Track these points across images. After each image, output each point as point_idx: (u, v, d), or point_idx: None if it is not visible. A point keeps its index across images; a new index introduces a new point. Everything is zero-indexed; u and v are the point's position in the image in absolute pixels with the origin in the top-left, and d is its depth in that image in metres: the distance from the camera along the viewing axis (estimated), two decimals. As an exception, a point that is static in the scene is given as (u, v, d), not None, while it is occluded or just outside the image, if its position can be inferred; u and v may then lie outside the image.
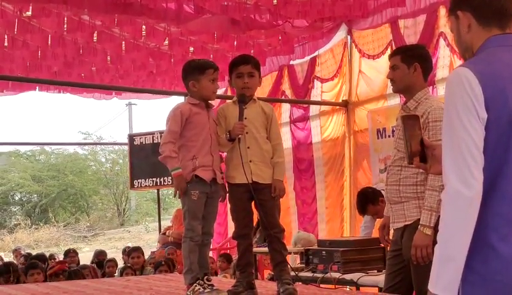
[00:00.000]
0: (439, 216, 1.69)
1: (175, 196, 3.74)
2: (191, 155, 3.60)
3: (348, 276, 4.51)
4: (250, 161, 3.60)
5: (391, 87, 3.57)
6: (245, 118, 3.62)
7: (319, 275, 4.64)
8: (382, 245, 4.40)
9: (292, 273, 3.97)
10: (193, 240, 3.59)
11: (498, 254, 1.63)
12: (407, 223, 3.31)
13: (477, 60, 1.75)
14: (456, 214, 1.62)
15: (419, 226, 3.16)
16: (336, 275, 4.53)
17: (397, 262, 3.41)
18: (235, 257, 5.82)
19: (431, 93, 6.13)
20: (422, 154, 1.88)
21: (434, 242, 3.12)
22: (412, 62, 3.32)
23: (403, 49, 3.64)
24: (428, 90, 3.41)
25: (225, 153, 3.82)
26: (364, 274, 4.46)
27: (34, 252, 9.95)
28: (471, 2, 1.80)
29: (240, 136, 3.58)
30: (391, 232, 3.57)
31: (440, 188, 3.13)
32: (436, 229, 3.11)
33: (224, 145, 3.68)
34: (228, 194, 3.77)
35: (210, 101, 3.77)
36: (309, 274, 4.76)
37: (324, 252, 4.78)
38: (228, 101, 4.19)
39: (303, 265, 5.02)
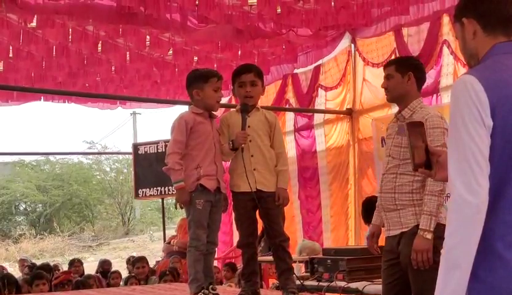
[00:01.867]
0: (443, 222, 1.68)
1: (176, 208, 3.75)
2: (195, 165, 3.61)
3: (353, 285, 4.49)
4: (254, 169, 3.61)
5: (386, 96, 3.60)
6: (249, 126, 3.63)
7: (324, 284, 4.63)
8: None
9: (297, 282, 3.96)
10: (198, 249, 3.59)
11: (505, 262, 1.62)
12: (403, 230, 3.31)
13: (482, 67, 1.75)
14: (462, 221, 1.61)
15: (419, 231, 3.19)
16: (342, 283, 4.52)
17: (395, 271, 3.38)
18: (240, 266, 5.81)
19: (424, 102, 6.18)
20: (427, 161, 1.88)
21: (434, 247, 3.18)
22: (406, 72, 3.37)
23: (397, 59, 3.75)
24: (422, 100, 3.48)
25: (228, 163, 3.83)
26: (369, 283, 4.45)
27: (38, 262, 9.96)
28: (476, 9, 1.80)
29: (243, 145, 3.59)
30: (380, 240, 3.59)
31: (440, 193, 3.21)
32: (435, 234, 3.17)
33: (227, 154, 3.69)
34: (232, 203, 3.77)
35: (213, 112, 3.78)
36: (315, 283, 4.75)
37: (329, 260, 4.77)
38: (231, 109, 4.19)
39: (308, 274, 5.01)
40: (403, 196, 3.32)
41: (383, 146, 6.99)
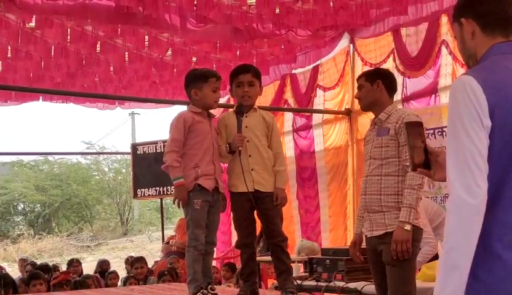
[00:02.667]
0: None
1: (174, 203, 3.75)
2: (193, 164, 3.61)
3: (351, 285, 4.50)
4: (252, 169, 3.61)
5: (359, 106, 3.83)
6: (246, 126, 3.64)
7: (323, 284, 4.64)
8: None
9: (296, 282, 3.97)
10: (197, 249, 3.59)
11: (503, 262, 1.62)
12: (388, 230, 3.43)
13: (481, 68, 1.75)
14: (461, 222, 1.61)
15: (398, 222, 3.37)
16: (340, 283, 4.53)
17: (379, 268, 3.52)
18: (239, 266, 5.81)
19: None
20: (426, 161, 1.87)
21: (413, 238, 3.29)
22: (375, 80, 3.60)
23: (366, 71, 4.02)
24: (396, 105, 3.68)
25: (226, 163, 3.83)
26: (367, 283, 4.45)
27: (37, 262, 9.93)
28: (474, 9, 1.80)
29: (240, 148, 3.59)
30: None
31: (419, 186, 3.39)
32: (412, 236, 3.36)
33: (224, 156, 3.69)
34: (230, 203, 3.77)
35: (211, 111, 3.78)
36: (313, 283, 4.75)
37: (327, 261, 4.77)
38: (230, 110, 4.19)
39: (307, 274, 5.02)
40: (389, 198, 3.44)
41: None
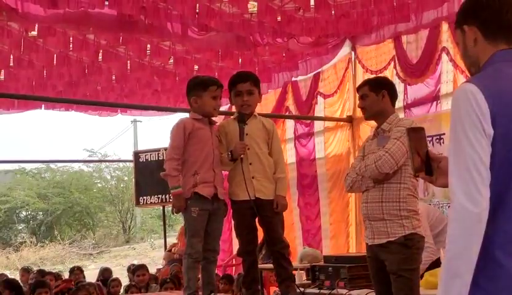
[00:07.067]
0: None
1: (173, 213, 3.77)
2: (192, 171, 3.62)
3: (354, 293, 4.48)
4: (253, 177, 3.61)
5: (363, 115, 3.82)
6: (247, 134, 3.64)
7: (326, 292, 4.62)
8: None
9: (298, 290, 3.96)
10: (192, 257, 3.60)
11: (505, 270, 1.62)
12: (390, 239, 3.45)
13: (483, 75, 1.74)
14: (463, 230, 1.61)
15: None
16: (343, 291, 4.51)
17: (383, 276, 3.53)
18: (240, 273, 5.80)
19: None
20: (428, 166, 1.87)
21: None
22: (380, 90, 3.60)
23: (369, 80, 3.97)
24: (398, 114, 3.71)
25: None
26: (370, 290, 4.43)
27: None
28: (477, 16, 1.79)
29: (242, 156, 3.59)
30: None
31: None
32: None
33: (226, 164, 3.69)
34: (231, 211, 3.77)
35: (213, 118, 3.79)
36: (316, 290, 4.74)
37: (330, 268, 4.76)
38: (231, 117, 4.20)
39: (310, 282, 5.01)
40: (391, 205, 3.45)
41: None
